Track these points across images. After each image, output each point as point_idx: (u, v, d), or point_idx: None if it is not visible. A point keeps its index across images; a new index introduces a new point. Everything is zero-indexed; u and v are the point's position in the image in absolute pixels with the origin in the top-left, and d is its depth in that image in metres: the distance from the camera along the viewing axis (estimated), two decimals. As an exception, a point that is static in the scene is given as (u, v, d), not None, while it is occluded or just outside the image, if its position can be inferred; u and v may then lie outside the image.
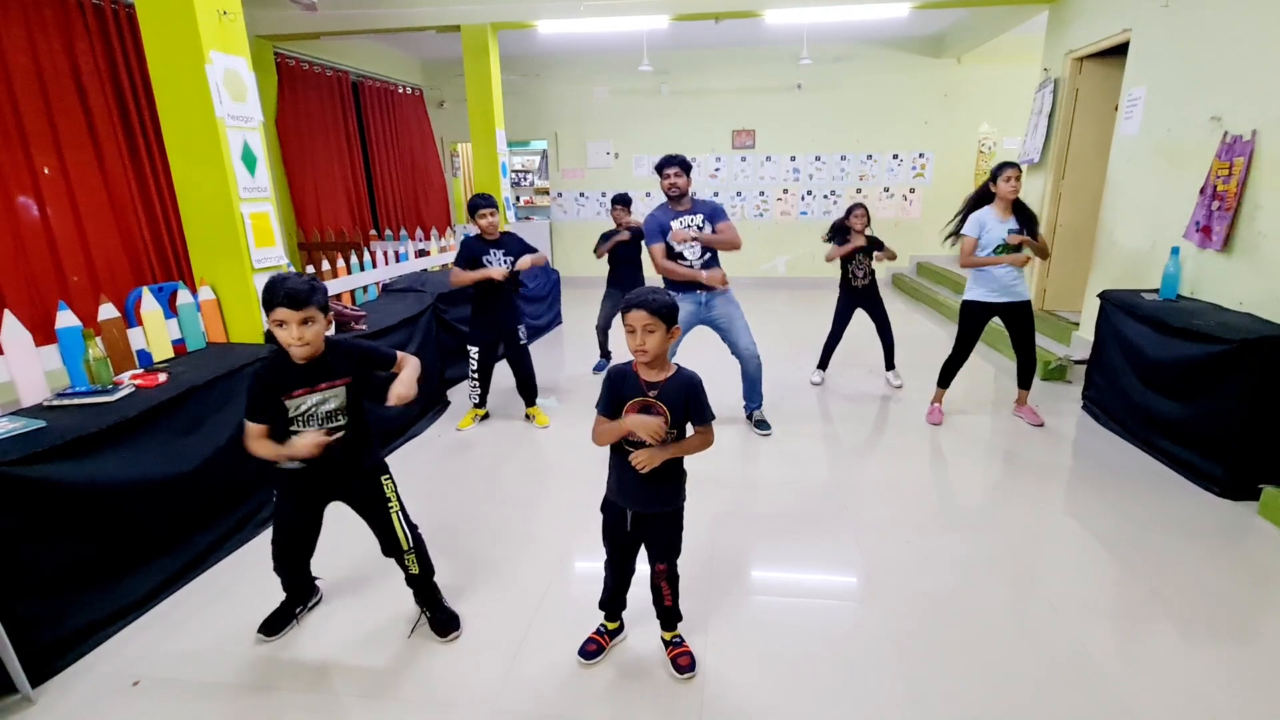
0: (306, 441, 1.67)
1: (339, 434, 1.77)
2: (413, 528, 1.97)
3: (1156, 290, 3.50)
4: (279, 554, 1.95)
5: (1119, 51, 4.28)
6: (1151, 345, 3.18)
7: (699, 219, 3.36)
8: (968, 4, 5.38)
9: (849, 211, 4.08)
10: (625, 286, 4.48)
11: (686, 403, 1.67)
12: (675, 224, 3.35)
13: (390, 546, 1.94)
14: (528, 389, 3.75)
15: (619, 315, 1.69)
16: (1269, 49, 3.01)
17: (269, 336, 2.92)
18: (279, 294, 1.60)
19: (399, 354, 1.86)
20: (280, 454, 1.71)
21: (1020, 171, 3.29)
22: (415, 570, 1.96)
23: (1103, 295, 3.66)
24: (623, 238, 4.36)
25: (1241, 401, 2.68)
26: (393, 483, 1.94)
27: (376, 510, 1.91)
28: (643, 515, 1.76)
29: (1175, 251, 3.41)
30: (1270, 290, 2.95)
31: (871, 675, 1.85)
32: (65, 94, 3.89)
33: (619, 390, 1.68)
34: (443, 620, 2.01)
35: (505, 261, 3.47)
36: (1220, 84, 3.31)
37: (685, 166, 3.31)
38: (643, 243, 3.84)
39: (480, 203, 3.43)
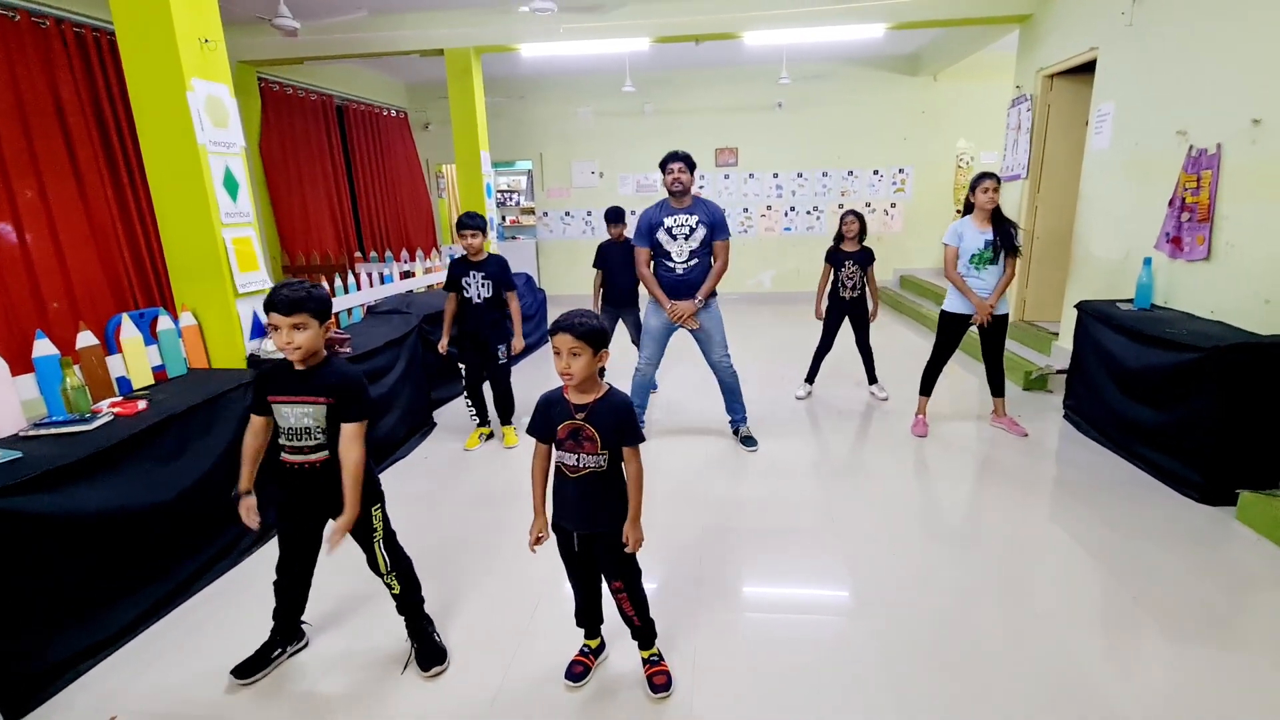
0: (246, 508, 1.85)
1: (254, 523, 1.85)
2: (397, 556, 1.97)
3: (1131, 300, 3.57)
4: (280, 571, 1.96)
5: (1088, 69, 4.40)
6: (1128, 354, 3.23)
7: (694, 219, 3.37)
8: (940, 24, 5.51)
9: (842, 219, 4.15)
10: (618, 302, 4.49)
11: (617, 425, 1.66)
12: (669, 219, 3.38)
13: (372, 567, 1.95)
14: (502, 407, 3.73)
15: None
16: (1228, 66, 3.11)
17: (252, 361, 2.91)
18: (272, 298, 1.70)
19: (362, 423, 1.78)
20: (241, 484, 1.86)
21: (998, 182, 3.35)
22: (397, 589, 1.96)
23: (1080, 305, 3.73)
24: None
25: (1215, 408, 2.73)
26: (382, 512, 1.94)
27: (363, 538, 1.92)
28: (588, 535, 1.76)
29: (1148, 262, 3.49)
30: (1239, 298, 3.02)
31: (861, 689, 1.85)
32: (45, 119, 3.89)
33: (547, 415, 1.71)
34: (427, 653, 1.98)
35: (484, 285, 3.48)
36: (1184, 99, 3.41)
37: (690, 163, 3.34)
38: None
39: (464, 222, 3.44)
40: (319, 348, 1.77)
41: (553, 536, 1.82)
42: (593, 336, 1.60)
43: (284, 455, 1.82)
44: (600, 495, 1.71)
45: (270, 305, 1.70)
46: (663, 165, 3.38)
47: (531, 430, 1.75)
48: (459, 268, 3.50)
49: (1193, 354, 2.80)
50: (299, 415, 1.77)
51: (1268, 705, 1.76)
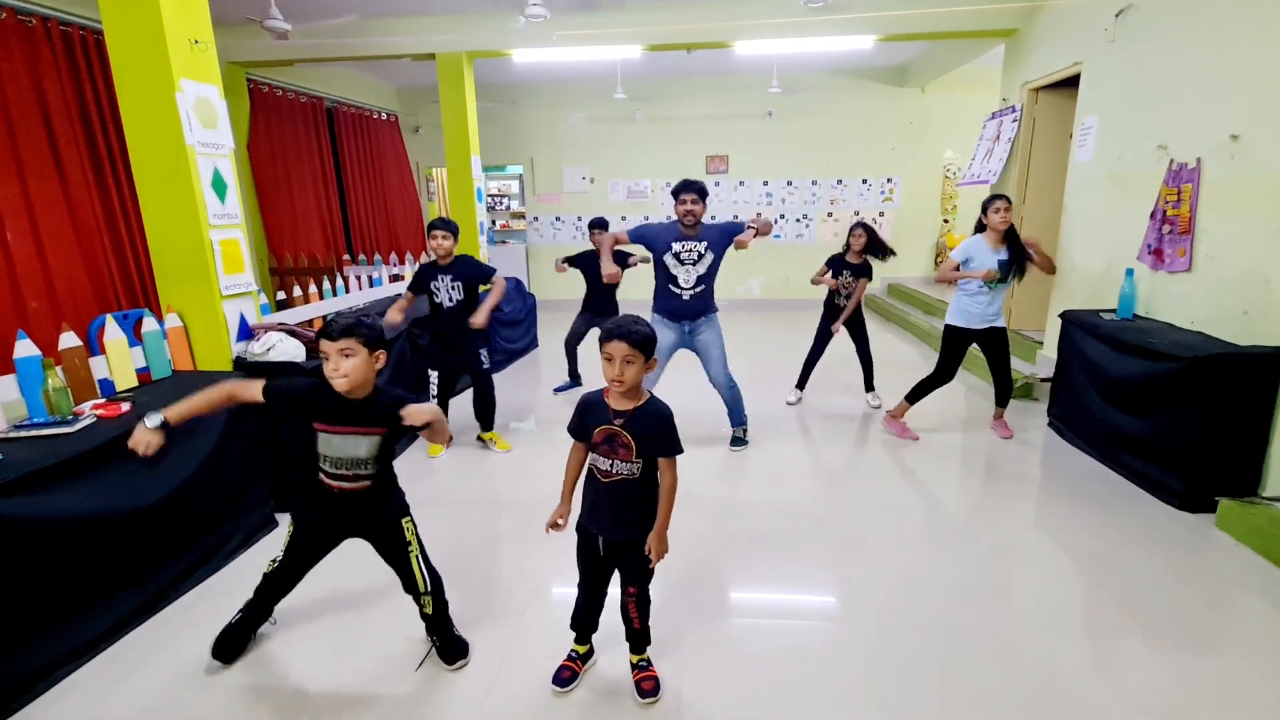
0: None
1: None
2: (434, 574, 1.96)
3: (1114, 310, 3.63)
4: (277, 576, 1.93)
5: (1072, 83, 4.48)
6: (1110, 363, 3.28)
7: (702, 245, 3.31)
8: (928, 37, 5.59)
9: (851, 230, 4.12)
10: (597, 310, 4.50)
11: (654, 434, 1.67)
12: (677, 245, 3.32)
13: (408, 586, 1.94)
14: (484, 414, 3.70)
15: (596, 340, 1.70)
16: (1208, 82, 3.17)
17: (238, 363, 2.88)
18: (325, 327, 1.72)
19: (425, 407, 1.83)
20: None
21: (1009, 203, 3.39)
22: (430, 611, 1.95)
23: (1064, 315, 3.78)
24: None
25: (1195, 417, 2.78)
26: (413, 524, 1.94)
27: (397, 554, 1.92)
28: (614, 541, 1.76)
29: (1130, 273, 3.55)
30: (1219, 309, 3.07)
31: (849, 693, 1.86)
32: (29, 118, 3.84)
33: (584, 418, 1.74)
34: (450, 648, 1.98)
35: (453, 288, 3.46)
36: (1165, 114, 3.48)
37: (702, 194, 3.24)
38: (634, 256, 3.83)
39: (434, 225, 3.42)
40: (369, 379, 1.76)
41: (569, 532, 1.83)
42: (647, 345, 1.63)
43: (324, 479, 1.81)
44: (631, 502, 1.72)
45: (321, 333, 1.72)
46: (675, 193, 3.28)
47: (570, 430, 1.79)
48: (427, 271, 3.48)
49: (1173, 363, 2.85)
50: (353, 444, 1.77)
51: (1246, 709, 1.78)
